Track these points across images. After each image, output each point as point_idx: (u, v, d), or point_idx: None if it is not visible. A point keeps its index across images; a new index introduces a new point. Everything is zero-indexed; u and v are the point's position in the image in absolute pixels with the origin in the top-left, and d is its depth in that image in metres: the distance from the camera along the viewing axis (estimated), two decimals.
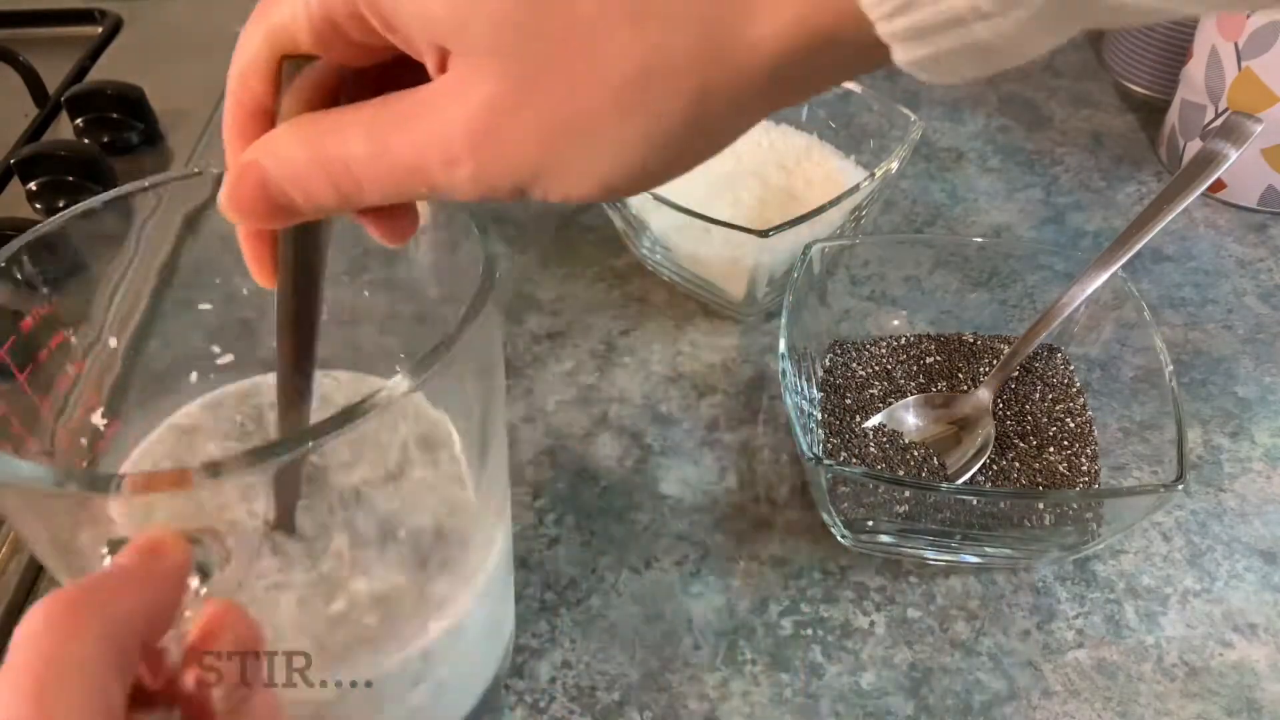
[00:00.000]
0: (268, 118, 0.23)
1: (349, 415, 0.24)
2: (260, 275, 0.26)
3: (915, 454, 0.44)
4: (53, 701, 0.20)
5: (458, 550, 0.31)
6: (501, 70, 0.20)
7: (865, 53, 0.19)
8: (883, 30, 0.18)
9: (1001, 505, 0.40)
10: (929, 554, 0.42)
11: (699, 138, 0.21)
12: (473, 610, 0.31)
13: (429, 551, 0.30)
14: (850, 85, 0.57)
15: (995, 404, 0.46)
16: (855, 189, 0.50)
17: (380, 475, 0.31)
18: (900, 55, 0.18)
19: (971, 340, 0.50)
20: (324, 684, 0.28)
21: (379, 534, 0.30)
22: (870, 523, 0.41)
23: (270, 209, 0.22)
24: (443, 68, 0.20)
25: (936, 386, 0.48)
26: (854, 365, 0.49)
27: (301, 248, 0.25)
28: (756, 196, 0.55)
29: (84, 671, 0.20)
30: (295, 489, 0.29)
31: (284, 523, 0.29)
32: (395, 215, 0.25)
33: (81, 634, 0.21)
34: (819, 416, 0.46)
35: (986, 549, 0.42)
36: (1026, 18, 0.17)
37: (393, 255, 0.33)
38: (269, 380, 0.33)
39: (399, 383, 0.24)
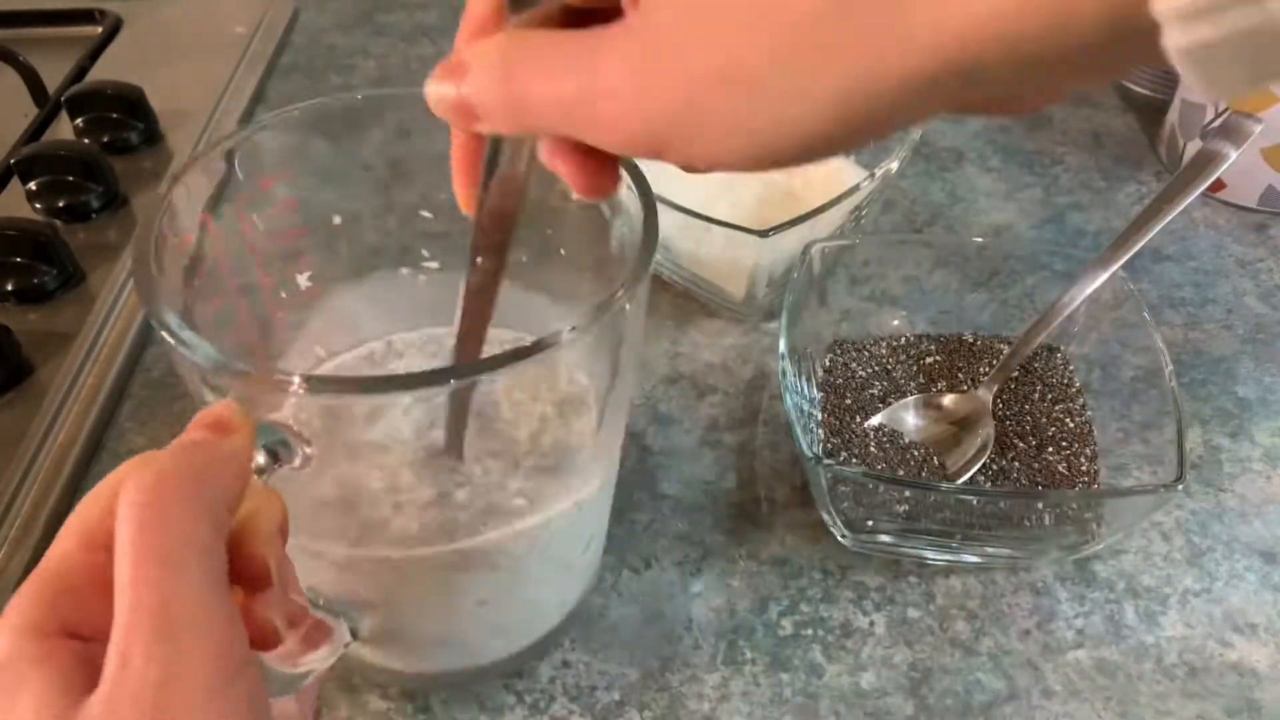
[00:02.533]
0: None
1: (531, 350, 0.26)
2: (462, 201, 0.28)
3: (915, 454, 0.44)
4: (174, 574, 0.20)
5: (571, 479, 0.34)
6: (673, 11, 0.19)
7: (1110, 37, 0.15)
8: (1159, 7, 0.15)
9: (1001, 505, 0.40)
10: (929, 554, 0.42)
11: (859, 111, 0.18)
12: (573, 520, 0.35)
13: (547, 474, 0.34)
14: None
15: (995, 404, 0.46)
16: (855, 189, 0.50)
17: (523, 413, 0.35)
18: (1176, 39, 0.15)
19: (971, 340, 0.50)
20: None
21: (512, 459, 0.34)
22: (870, 523, 0.41)
23: (460, 110, 0.23)
24: (636, 3, 0.20)
25: (936, 386, 0.48)
26: (854, 365, 0.49)
27: (500, 186, 0.27)
28: (756, 196, 0.55)
29: (197, 544, 0.21)
30: (464, 417, 0.31)
31: (453, 449, 0.32)
32: (592, 167, 0.25)
33: (187, 505, 0.22)
34: (819, 416, 0.46)
35: (986, 549, 0.42)
36: None
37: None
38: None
39: (568, 330, 0.27)
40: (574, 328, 0.27)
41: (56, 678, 0.20)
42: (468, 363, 0.30)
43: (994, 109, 0.20)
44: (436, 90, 0.24)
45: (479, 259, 0.29)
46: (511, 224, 0.28)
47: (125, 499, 0.21)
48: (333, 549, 0.31)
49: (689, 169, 0.21)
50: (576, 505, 0.34)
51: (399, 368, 0.40)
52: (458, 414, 0.32)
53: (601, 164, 0.24)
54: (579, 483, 0.34)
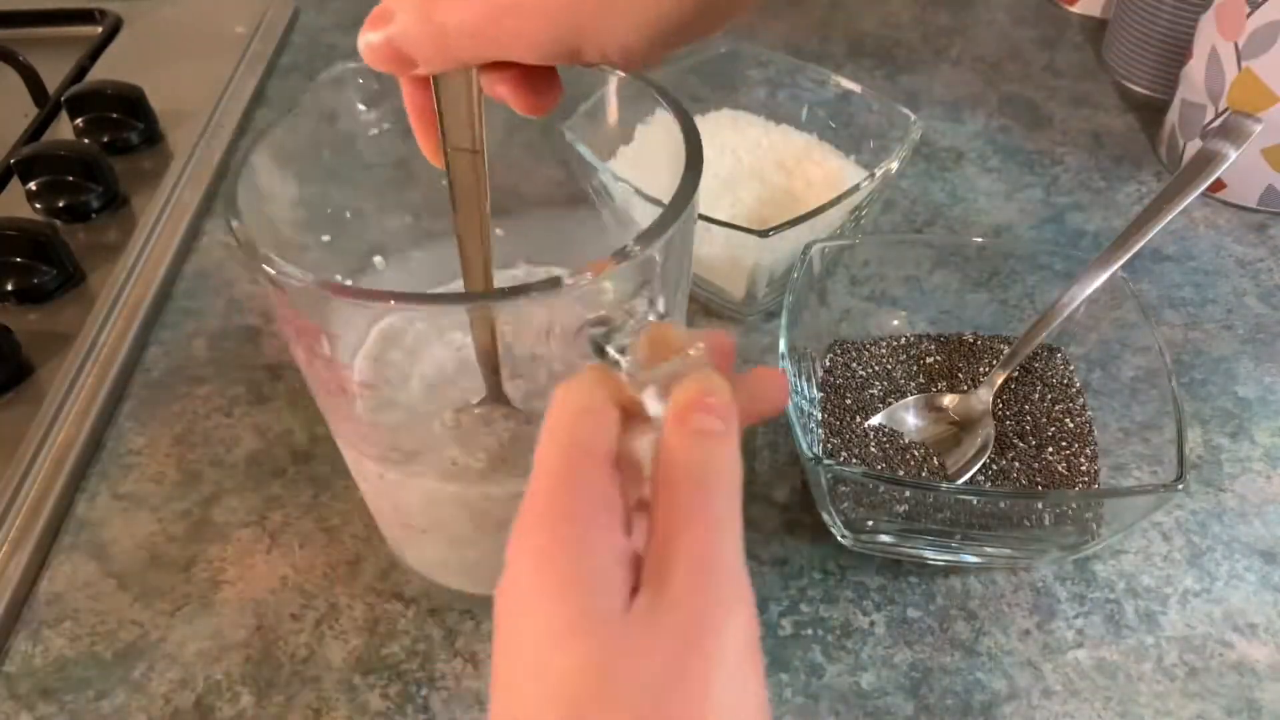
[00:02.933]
0: None
1: (620, 257, 0.28)
2: (427, 150, 0.30)
3: (915, 454, 0.44)
4: (576, 484, 0.23)
5: None
6: None
7: None
8: None
9: (1001, 505, 0.40)
10: (929, 554, 0.42)
11: (706, 16, 0.22)
12: None
13: None
14: (850, 85, 0.57)
15: (995, 404, 0.46)
16: (855, 189, 0.50)
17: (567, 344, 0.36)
18: None
19: (971, 340, 0.50)
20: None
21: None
22: (870, 523, 0.41)
23: (393, 57, 0.26)
24: None
25: (936, 386, 0.48)
26: (854, 365, 0.49)
27: (450, 126, 0.29)
28: (756, 196, 0.55)
29: (601, 463, 0.23)
30: (494, 360, 0.33)
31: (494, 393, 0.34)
32: (529, 86, 0.27)
33: (603, 424, 0.23)
34: (819, 416, 0.46)
35: (986, 549, 0.42)
36: None
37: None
38: None
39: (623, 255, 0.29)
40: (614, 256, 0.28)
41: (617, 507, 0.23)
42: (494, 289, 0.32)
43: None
44: (366, 40, 0.26)
45: (458, 207, 0.30)
46: (480, 162, 0.29)
47: (553, 409, 0.24)
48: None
49: (612, 65, 0.24)
50: None
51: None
52: (488, 359, 0.33)
53: (537, 81, 0.27)
54: None
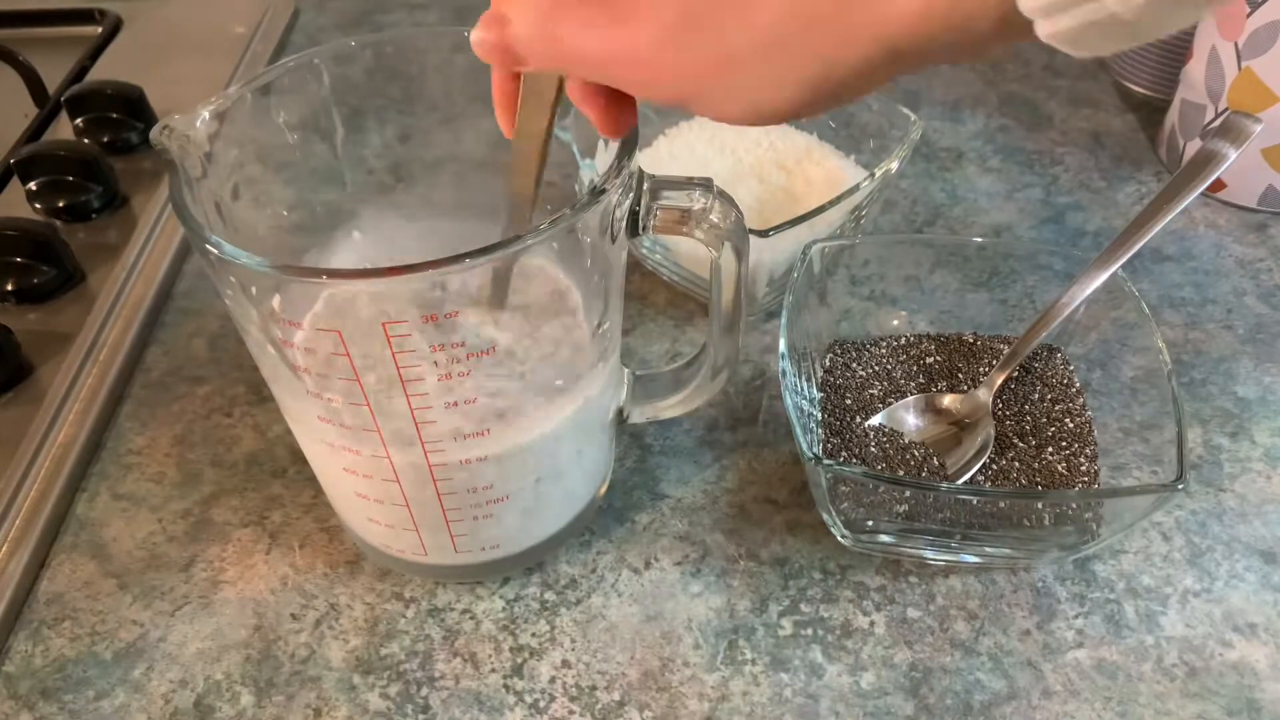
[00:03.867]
0: None
1: (555, 221, 0.31)
2: (504, 125, 0.32)
3: (915, 454, 0.44)
4: None
5: (572, 372, 0.38)
6: (680, 6, 0.24)
7: (995, 28, 0.21)
8: (1025, 5, 0.20)
9: (1001, 505, 0.40)
10: (929, 554, 0.42)
11: (826, 89, 0.24)
12: (581, 416, 0.38)
13: (554, 371, 0.38)
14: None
15: (995, 404, 0.46)
16: (855, 189, 0.50)
17: (526, 318, 0.38)
18: (1043, 30, 0.20)
19: (971, 340, 0.50)
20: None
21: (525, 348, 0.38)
22: (870, 523, 0.41)
23: (504, 56, 0.28)
24: None
25: (936, 386, 0.48)
26: (854, 365, 0.49)
27: (531, 111, 0.31)
28: (756, 196, 0.55)
29: None
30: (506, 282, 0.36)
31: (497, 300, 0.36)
32: (614, 109, 0.30)
33: None
34: (819, 416, 0.46)
35: (986, 549, 0.42)
36: None
37: None
38: None
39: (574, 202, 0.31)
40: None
41: None
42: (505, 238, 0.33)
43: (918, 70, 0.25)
44: (480, 36, 0.28)
45: (514, 183, 0.33)
46: (545, 141, 0.32)
47: None
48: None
49: (712, 118, 0.26)
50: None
51: None
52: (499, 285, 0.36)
53: (622, 107, 0.30)
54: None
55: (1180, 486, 0.37)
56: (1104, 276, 0.45)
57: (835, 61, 0.23)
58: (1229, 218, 0.60)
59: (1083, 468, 0.44)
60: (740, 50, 0.24)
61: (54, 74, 0.71)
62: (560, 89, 0.31)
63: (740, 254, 0.37)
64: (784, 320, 0.44)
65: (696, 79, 0.25)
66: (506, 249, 0.30)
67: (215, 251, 0.30)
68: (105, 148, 0.65)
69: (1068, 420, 0.46)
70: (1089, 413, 0.46)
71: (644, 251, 0.55)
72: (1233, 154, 0.44)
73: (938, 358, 0.49)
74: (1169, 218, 0.44)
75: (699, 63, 0.24)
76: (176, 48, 0.77)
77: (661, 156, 0.57)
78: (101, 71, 0.74)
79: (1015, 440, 0.45)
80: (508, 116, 0.32)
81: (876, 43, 0.22)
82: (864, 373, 0.48)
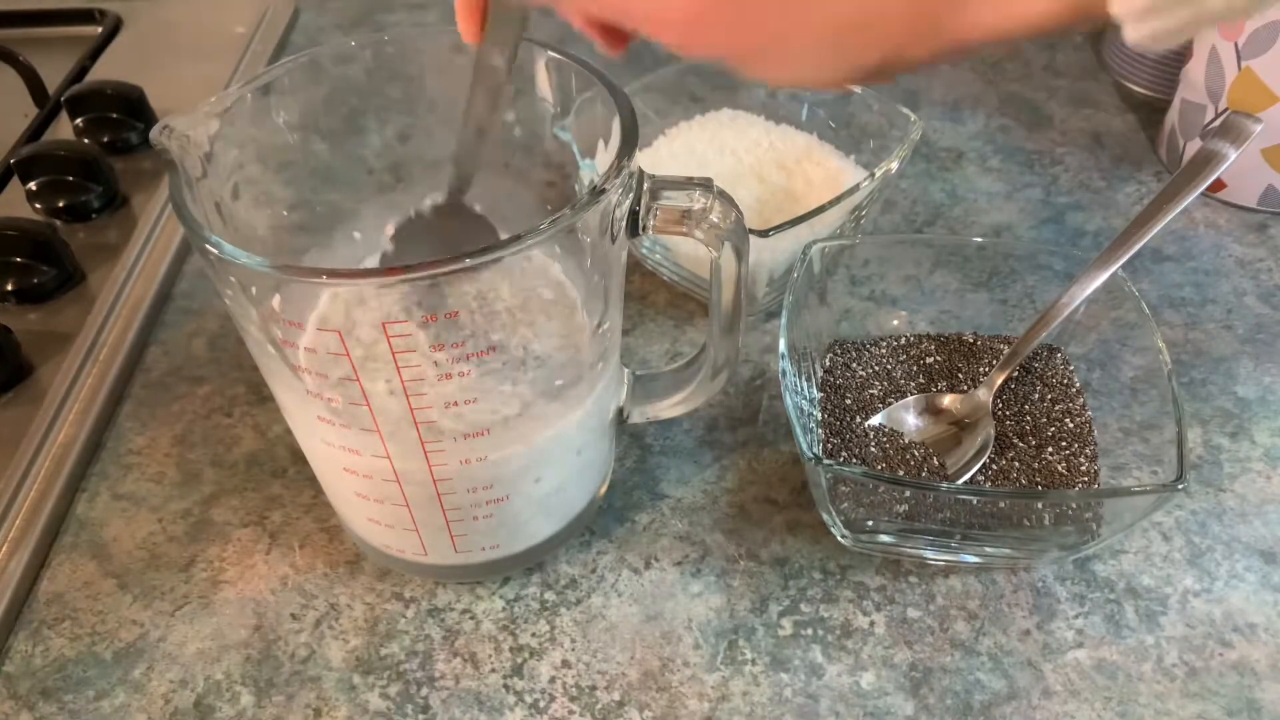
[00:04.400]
0: None
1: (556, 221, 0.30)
2: (466, 30, 0.31)
3: (915, 454, 0.44)
4: None
5: (571, 372, 0.38)
6: None
7: (1079, 30, 0.22)
8: (1119, 10, 0.20)
9: (1001, 505, 0.40)
10: (929, 554, 0.42)
11: (881, 73, 0.23)
12: (580, 416, 0.38)
13: (553, 371, 0.38)
14: (850, 85, 0.57)
15: (995, 404, 0.46)
16: (855, 189, 0.50)
17: (526, 319, 0.38)
18: (1134, 33, 0.20)
19: (971, 340, 0.50)
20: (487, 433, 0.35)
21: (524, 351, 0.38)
22: (870, 523, 0.41)
23: None
24: None
25: (936, 386, 0.48)
26: (854, 365, 0.49)
27: (503, 17, 0.30)
28: (756, 196, 0.55)
29: None
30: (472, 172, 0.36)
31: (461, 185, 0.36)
32: (617, 33, 0.28)
33: None
34: (819, 416, 0.46)
35: (986, 549, 0.42)
36: None
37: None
38: None
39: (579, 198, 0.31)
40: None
41: None
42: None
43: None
44: None
45: (479, 90, 0.32)
46: (511, 55, 0.31)
47: None
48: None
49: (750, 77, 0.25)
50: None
51: None
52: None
53: (622, 31, 0.28)
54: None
55: (1180, 486, 0.37)
56: (1104, 276, 0.45)
57: (902, 54, 0.22)
58: (1229, 218, 0.60)
59: (1083, 468, 0.44)
60: (808, 28, 0.23)
61: (54, 74, 0.71)
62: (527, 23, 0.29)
63: (740, 254, 0.37)
64: (784, 320, 0.44)
65: (750, 47, 0.24)
66: (506, 249, 0.30)
67: (215, 251, 0.30)
68: (105, 148, 0.65)
69: (1068, 420, 0.46)
70: (1089, 413, 0.46)
71: (644, 251, 0.55)
72: (1233, 154, 0.44)
73: (938, 358, 0.49)
74: (1169, 218, 0.44)
75: (758, 33, 0.23)
76: (176, 48, 0.77)
77: (661, 156, 0.57)
78: (101, 71, 0.74)
79: (1015, 440, 0.45)
80: (475, 20, 0.30)
81: (956, 43, 0.22)
82: (864, 373, 0.48)
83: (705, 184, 0.35)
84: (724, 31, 0.23)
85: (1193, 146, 0.61)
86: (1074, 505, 0.41)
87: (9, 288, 0.54)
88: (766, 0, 0.23)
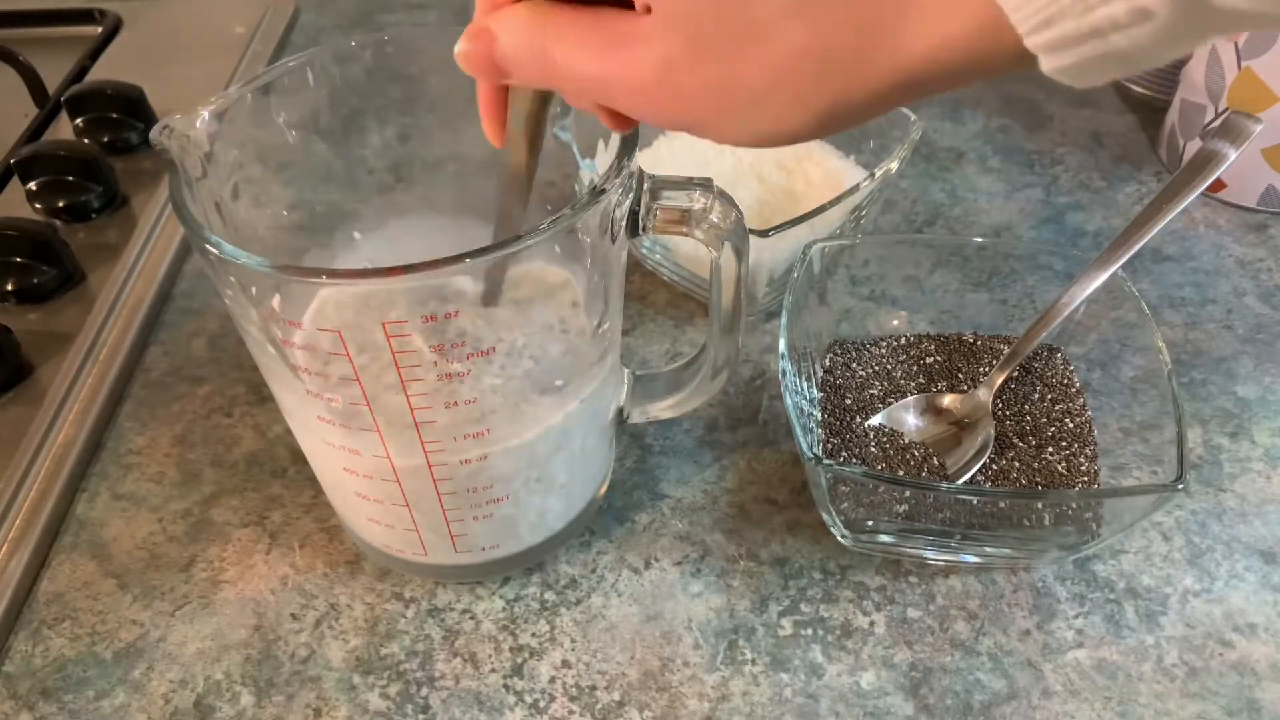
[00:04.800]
0: None
1: (555, 222, 0.31)
2: (491, 135, 0.32)
3: (915, 454, 0.44)
4: None
5: (571, 372, 0.38)
6: (687, 34, 0.23)
7: (1007, 63, 0.21)
8: (1031, 43, 0.20)
9: (1001, 505, 0.40)
10: (929, 554, 0.42)
11: (836, 118, 0.24)
12: (580, 416, 0.38)
13: (553, 371, 0.38)
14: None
15: (995, 404, 0.46)
16: (855, 189, 0.50)
17: (526, 319, 0.38)
18: (1047, 64, 0.21)
19: (971, 340, 0.50)
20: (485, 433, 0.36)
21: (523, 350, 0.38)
22: (870, 523, 0.41)
23: (490, 70, 0.27)
24: (648, 9, 0.24)
25: (936, 386, 0.48)
26: (854, 365, 0.49)
27: (525, 119, 0.31)
28: (756, 196, 0.55)
29: None
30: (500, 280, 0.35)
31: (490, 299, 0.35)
32: (617, 111, 0.28)
33: None
34: (819, 416, 0.46)
35: (986, 549, 0.42)
36: (1156, 29, 0.19)
37: None
38: None
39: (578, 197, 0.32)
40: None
41: None
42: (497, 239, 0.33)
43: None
44: (464, 49, 0.27)
45: (510, 185, 0.33)
46: (536, 149, 0.32)
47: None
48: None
49: (714, 141, 0.26)
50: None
51: None
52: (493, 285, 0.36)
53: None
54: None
55: (1180, 486, 0.37)
56: (1104, 276, 0.45)
57: (849, 94, 0.23)
58: (1229, 218, 0.60)
59: (1083, 468, 0.44)
60: (751, 82, 0.23)
61: (54, 74, 0.71)
62: (550, 96, 0.30)
63: (740, 254, 0.37)
64: (784, 320, 0.44)
65: (703, 108, 0.24)
66: (506, 249, 0.30)
67: (215, 251, 0.30)
68: (105, 148, 0.65)
69: (1068, 420, 0.46)
70: (1089, 413, 0.46)
71: (644, 251, 0.55)
72: (1233, 154, 0.44)
73: (938, 358, 0.49)
74: (1169, 218, 0.44)
75: (706, 93, 0.24)
76: (176, 48, 0.77)
77: (661, 156, 0.57)
78: (101, 71, 0.74)
79: (1015, 440, 0.45)
80: (496, 127, 0.31)
81: (893, 75, 0.22)
82: (864, 373, 0.48)
83: (705, 184, 0.35)
84: (689, 79, 0.24)
85: (1193, 146, 0.61)
86: (1074, 505, 0.41)
87: (9, 288, 0.54)
88: (722, 43, 0.23)
